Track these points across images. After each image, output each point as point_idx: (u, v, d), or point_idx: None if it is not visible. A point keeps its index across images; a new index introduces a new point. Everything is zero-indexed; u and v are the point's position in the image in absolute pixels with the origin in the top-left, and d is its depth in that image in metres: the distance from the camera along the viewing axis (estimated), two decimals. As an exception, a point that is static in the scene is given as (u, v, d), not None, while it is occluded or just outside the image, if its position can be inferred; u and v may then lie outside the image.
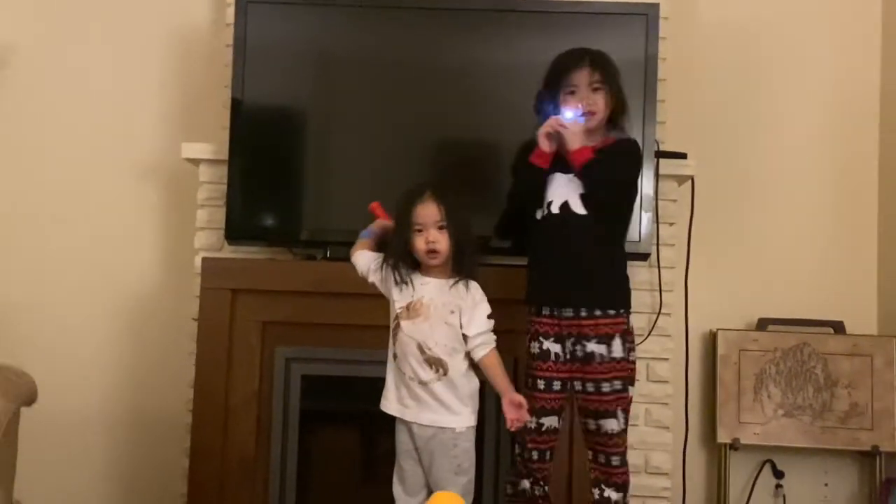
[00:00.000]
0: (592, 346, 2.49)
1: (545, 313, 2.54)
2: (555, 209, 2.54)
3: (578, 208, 2.52)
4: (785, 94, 3.51)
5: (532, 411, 2.49)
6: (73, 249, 3.44)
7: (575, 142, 2.49)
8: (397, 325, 2.42)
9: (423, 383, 2.38)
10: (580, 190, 2.52)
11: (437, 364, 2.38)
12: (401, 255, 2.42)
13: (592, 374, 2.49)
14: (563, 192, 2.54)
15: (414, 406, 2.40)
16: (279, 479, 2.91)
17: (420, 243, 2.39)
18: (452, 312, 2.39)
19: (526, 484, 2.57)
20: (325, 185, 3.06)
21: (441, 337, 2.38)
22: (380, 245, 2.53)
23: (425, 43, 3.04)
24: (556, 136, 2.51)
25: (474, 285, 2.44)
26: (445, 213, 2.39)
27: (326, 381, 2.96)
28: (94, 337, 3.41)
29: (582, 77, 2.53)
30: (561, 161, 2.55)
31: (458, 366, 2.40)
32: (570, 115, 2.50)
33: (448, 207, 2.40)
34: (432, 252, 2.39)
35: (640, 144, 2.74)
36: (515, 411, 2.35)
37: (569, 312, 2.51)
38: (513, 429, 2.38)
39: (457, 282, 2.41)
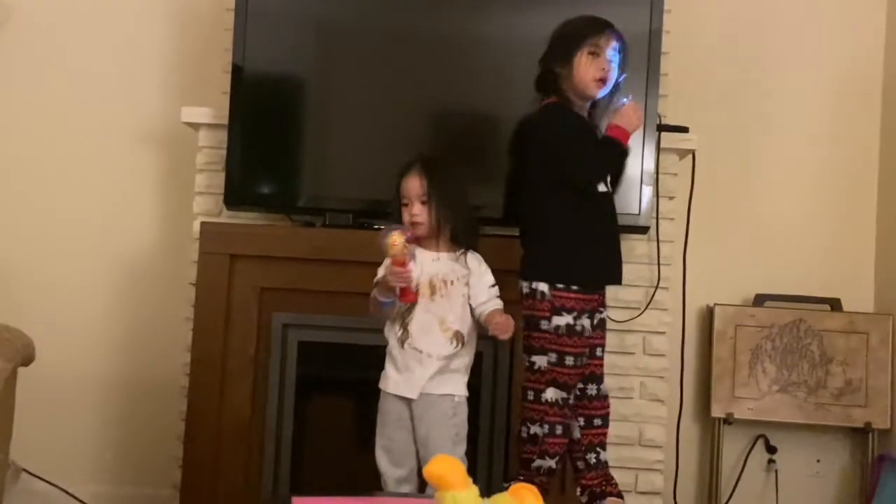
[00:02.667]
0: (606, 313, 2.65)
1: (590, 290, 2.54)
2: (603, 187, 2.58)
3: (603, 185, 2.60)
4: (788, 69, 3.49)
5: (565, 387, 2.52)
6: (72, 212, 3.43)
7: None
8: (411, 304, 2.41)
9: (441, 358, 2.40)
10: None
11: (457, 338, 2.41)
12: None
13: (602, 340, 2.61)
14: None
15: (418, 376, 2.41)
16: (274, 444, 2.91)
17: (405, 216, 2.42)
18: (466, 285, 2.44)
19: (551, 462, 2.54)
20: (325, 153, 3.05)
21: (459, 309, 2.42)
22: None
23: (427, 11, 3.01)
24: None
25: (477, 256, 2.47)
26: (429, 187, 2.40)
27: (323, 347, 2.95)
28: (91, 300, 3.41)
29: (608, 42, 2.53)
30: None
31: (471, 340, 2.45)
32: (625, 100, 2.56)
33: (433, 181, 2.41)
34: (414, 224, 2.41)
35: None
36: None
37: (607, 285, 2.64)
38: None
39: (462, 254, 2.45)
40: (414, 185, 2.42)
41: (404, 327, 2.43)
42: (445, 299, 2.41)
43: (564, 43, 2.55)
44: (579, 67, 2.52)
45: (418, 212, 2.41)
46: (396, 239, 2.31)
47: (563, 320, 2.49)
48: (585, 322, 2.52)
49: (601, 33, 2.52)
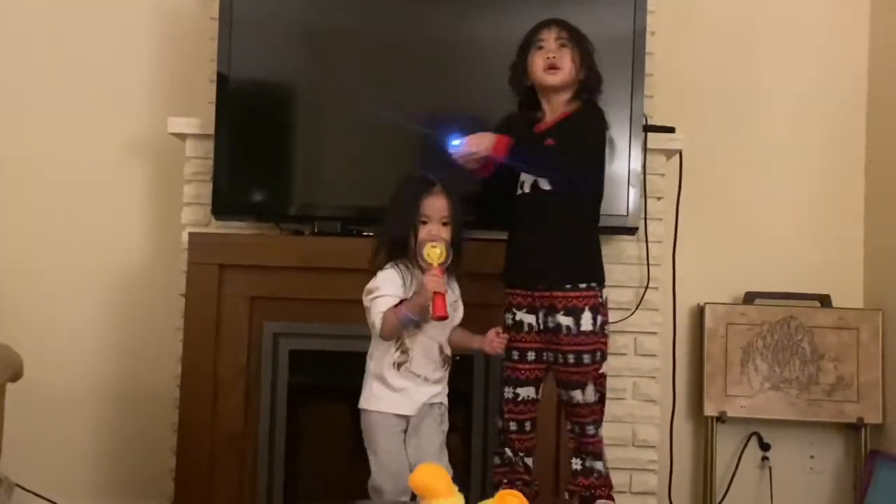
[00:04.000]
0: (560, 319, 2.50)
1: (519, 286, 2.56)
2: (527, 189, 2.56)
3: (545, 185, 2.54)
4: (773, 68, 3.50)
5: (508, 382, 2.56)
6: (60, 225, 3.42)
7: (483, 143, 2.51)
8: (415, 328, 2.39)
9: (436, 381, 2.42)
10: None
11: (447, 361, 2.44)
12: (402, 245, 2.39)
13: (560, 346, 2.51)
14: None
15: (416, 396, 2.41)
16: (267, 453, 2.91)
17: (422, 234, 2.37)
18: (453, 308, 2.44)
19: (508, 453, 2.59)
20: (313, 161, 3.06)
21: (448, 333, 2.44)
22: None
23: (413, 18, 3.02)
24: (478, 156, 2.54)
25: (454, 278, 2.47)
26: (452, 209, 2.40)
27: (314, 355, 2.95)
28: (81, 312, 3.40)
29: (550, 33, 2.57)
30: (528, 138, 2.56)
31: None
32: (455, 143, 2.53)
33: (454, 203, 2.41)
34: None
35: (606, 114, 2.63)
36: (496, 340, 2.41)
37: (542, 286, 2.52)
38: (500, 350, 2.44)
39: (450, 275, 2.43)
40: (440, 205, 2.39)
41: (404, 351, 2.40)
42: (446, 323, 2.40)
43: (519, 56, 2.62)
44: (531, 67, 2.58)
45: (439, 232, 2.38)
46: (442, 248, 2.32)
47: (509, 316, 2.57)
48: (528, 318, 2.54)
49: (542, 28, 2.58)
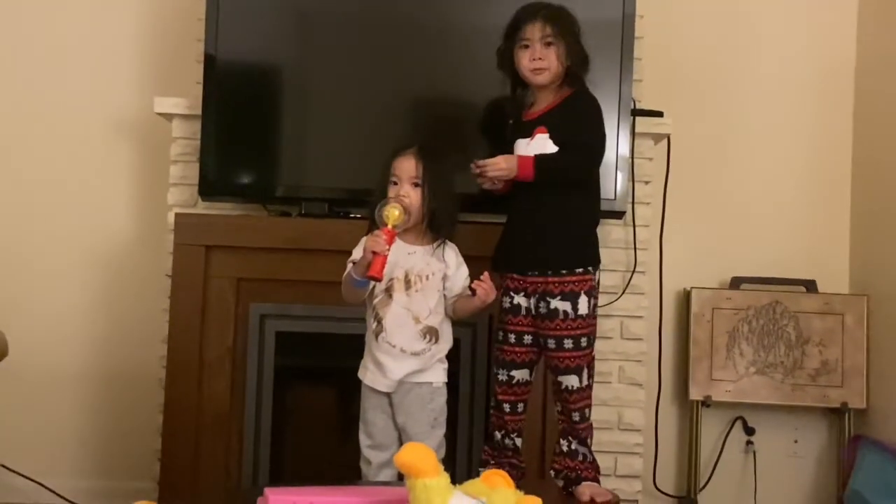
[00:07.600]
0: (557, 304, 2.50)
1: (511, 271, 2.57)
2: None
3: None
4: (762, 53, 3.51)
5: (503, 365, 2.57)
6: (46, 205, 3.40)
7: (510, 168, 2.48)
8: (387, 298, 2.40)
9: (415, 354, 2.40)
10: (540, 150, 2.51)
11: (431, 333, 2.41)
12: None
13: (555, 331, 2.51)
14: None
15: (392, 371, 2.41)
16: (253, 435, 2.90)
17: (391, 194, 2.38)
18: (442, 279, 2.43)
19: (498, 435, 2.60)
20: (300, 142, 3.04)
21: (434, 305, 2.42)
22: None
23: (403, -1, 3.01)
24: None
25: (454, 248, 2.46)
26: (423, 172, 2.38)
27: (300, 337, 2.94)
28: (67, 293, 3.39)
29: (535, 31, 2.53)
30: (520, 126, 2.57)
31: (446, 331, 2.44)
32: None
33: (428, 167, 2.39)
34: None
35: (595, 98, 2.61)
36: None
37: (535, 272, 2.53)
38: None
39: (439, 245, 2.43)
40: (408, 166, 2.39)
41: (378, 321, 2.42)
42: (420, 294, 2.40)
43: (505, 41, 2.59)
44: (517, 63, 2.56)
45: (407, 193, 2.38)
46: (400, 210, 2.31)
47: (507, 300, 2.57)
48: (525, 302, 2.54)
49: (526, 24, 2.54)
